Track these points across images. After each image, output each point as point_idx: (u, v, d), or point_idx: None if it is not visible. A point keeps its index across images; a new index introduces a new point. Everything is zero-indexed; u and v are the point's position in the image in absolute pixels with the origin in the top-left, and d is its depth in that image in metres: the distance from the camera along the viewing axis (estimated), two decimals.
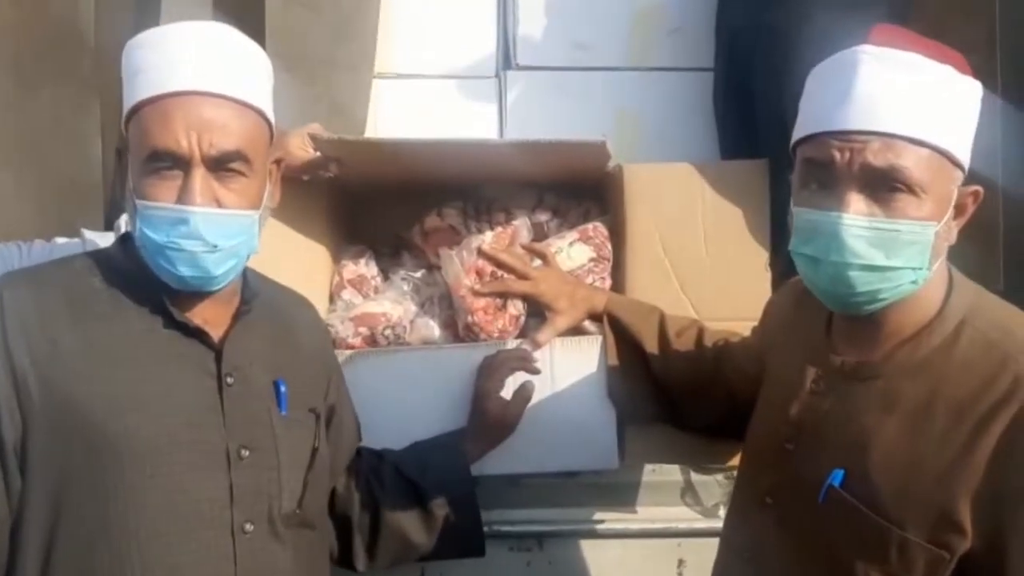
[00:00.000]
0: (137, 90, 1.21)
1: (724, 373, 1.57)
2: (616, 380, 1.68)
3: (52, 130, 2.12)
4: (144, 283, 1.24)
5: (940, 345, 1.15)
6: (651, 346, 1.64)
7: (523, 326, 1.81)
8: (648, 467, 1.82)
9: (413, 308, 1.87)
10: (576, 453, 1.72)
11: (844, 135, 1.11)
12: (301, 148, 1.75)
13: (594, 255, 1.86)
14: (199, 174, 1.18)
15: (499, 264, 1.77)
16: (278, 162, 1.33)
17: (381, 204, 2.11)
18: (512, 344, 1.73)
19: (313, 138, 1.72)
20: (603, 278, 1.86)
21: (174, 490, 1.20)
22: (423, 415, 1.67)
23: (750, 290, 1.74)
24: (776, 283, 1.75)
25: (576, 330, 1.73)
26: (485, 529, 1.61)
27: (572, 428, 1.70)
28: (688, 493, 1.82)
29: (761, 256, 1.80)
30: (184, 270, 1.20)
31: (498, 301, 1.78)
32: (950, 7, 1.99)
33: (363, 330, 1.82)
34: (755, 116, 1.99)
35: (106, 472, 1.18)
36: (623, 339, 1.67)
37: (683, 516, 1.82)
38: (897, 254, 1.11)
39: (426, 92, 2.25)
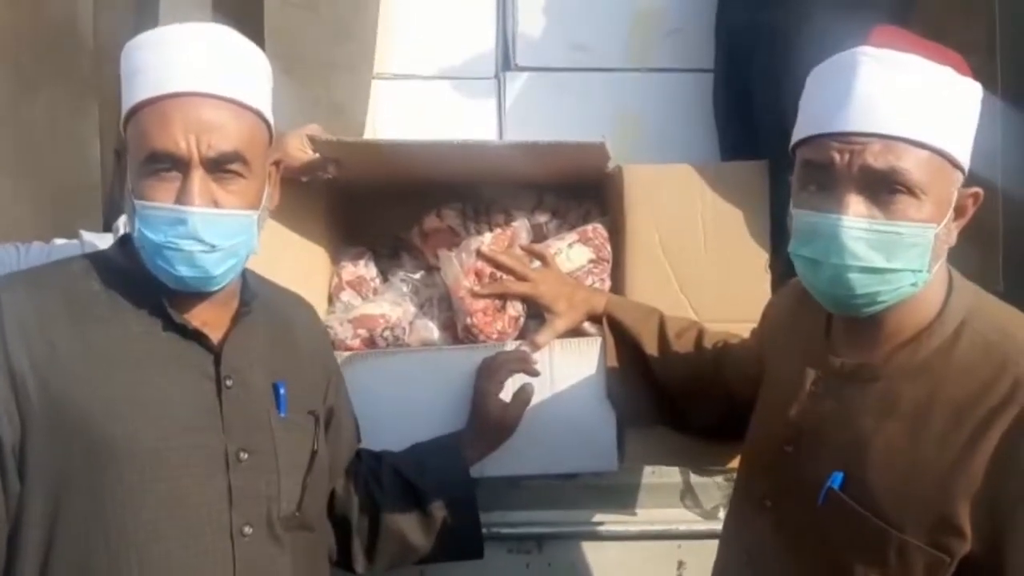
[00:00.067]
0: (136, 91, 1.20)
1: (723, 375, 1.57)
2: (615, 382, 1.68)
3: (50, 131, 2.12)
4: (143, 285, 1.24)
5: (940, 347, 1.15)
6: (651, 348, 1.64)
7: (522, 328, 1.81)
8: (648, 469, 1.82)
9: (412, 310, 1.87)
10: (576, 455, 1.72)
11: (844, 137, 1.11)
12: (300, 149, 1.75)
13: (593, 256, 1.86)
14: (197, 175, 1.18)
15: (498, 265, 1.77)
16: (277, 163, 1.33)
17: (380, 205, 2.11)
18: (511, 346, 1.73)
19: (312, 139, 1.72)
20: (602, 279, 1.86)
21: (173, 493, 1.20)
22: (422, 417, 1.67)
23: (750, 291, 1.74)
24: (776, 284, 1.75)
25: (576, 332, 1.73)
26: (484, 531, 1.61)
27: (571, 430, 1.70)
28: (688, 495, 1.82)
29: (761, 257, 1.79)
30: (183, 270, 1.20)
31: (497, 303, 1.78)
32: (950, 8, 1.98)
33: (362, 332, 1.82)
34: (755, 117, 1.99)
35: (104, 474, 1.17)
36: (623, 341, 1.67)
37: (683, 518, 1.82)
38: (897, 256, 1.11)
39: (425, 93, 2.24)
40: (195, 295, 1.25)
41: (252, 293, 1.35)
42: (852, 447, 1.17)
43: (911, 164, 1.10)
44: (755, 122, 1.99)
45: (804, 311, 1.31)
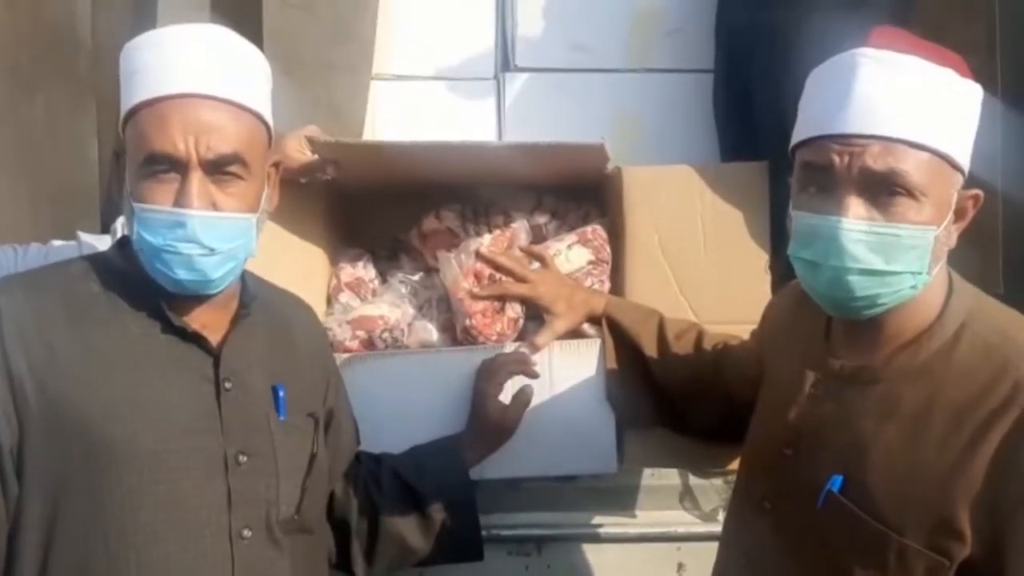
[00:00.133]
0: (134, 92, 1.20)
1: (723, 376, 1.57)
2: (615, 383, 1.68)
3: (48, 132, 2.12)
4: (142, 287, 1.24)
5: (940, 349, 1.15)
6: (650, 349, 1.63)
7: (521, 329, 1.81)
8: (647, 471, 1.82)
9: (411, 311, 1.87)
10: (575, 457, 1.72)
11: (843, 139, 1.11)
12: (298, 150, 1.74)
13: (593, 258, 1.86)
14: (196, 177, 1.17)
15: (497, 267, 1.77)
16: (276, 165, 1.32)
17: (379, 207, 2.10)
18: (511, 347, 1.73)
19: (310, 141, 1.72)
20: (602, 281, 1.86)
21: (171, 496, 1.19)
22: (421, 419, 1.67)
23: (750, 293, 1.74)
24: (776, 286, 1.74)
25: (575, 333, 1.73)
26: (484, 533, 1.61)
27: (571, 432, 1.70)
28: (687, 497, 1.82)
29: (761, 259, 1.79)
30: (181, 273, 1.19)
31: (496, 304, 1.77)
32: (950, 8, 1.98)
33: (361, 333, 1.81)
34: (755, 117, 1.98)
35: (103, 477, 1.17)
36: (622, 342, 1.67)
37: (682, 520, 1.82)
38: (896, 259, 1.11)
39: (424, 94, 2.24)
40: (194, 297, 1.25)
41: (251, 295, 1.34)
42: (852, 450, 1.17)
43: (911, 166, 1.09)
44: (755, 122, 1.98)
45: (804, 313, 1.31)
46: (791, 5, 1.86)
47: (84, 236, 1.78)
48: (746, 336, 1.59)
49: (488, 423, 1.63)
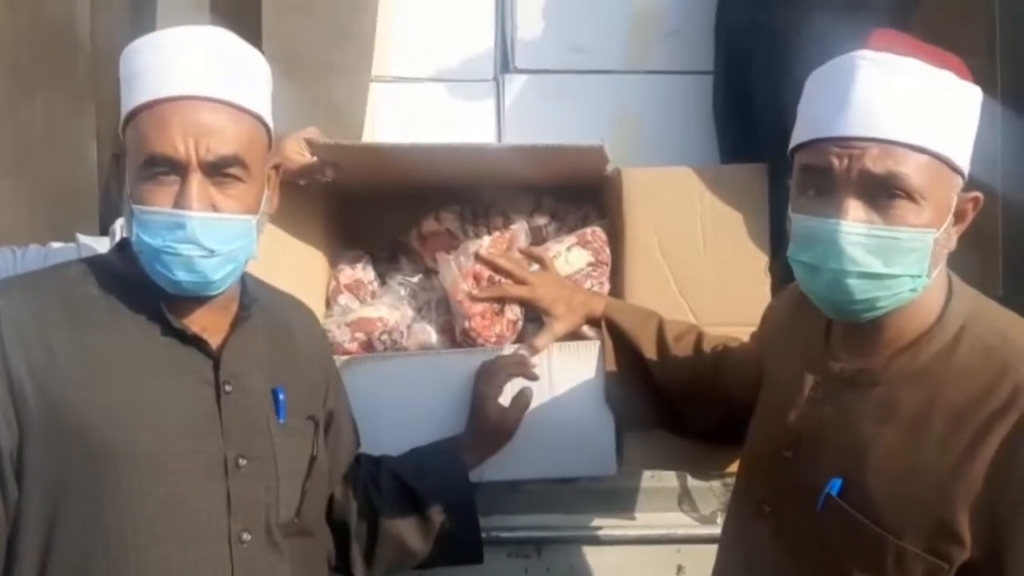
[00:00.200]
0: (134, 95, 1.20)
1: (723, 378, 1.57)
2: (614, 385, 1.68)
3: (47, 134, 2.12)
4: (141, 290, 1.23)
5: (939, 352, 1.15)
6: (650, 351, 1.63)
7: (521, 331, 1.81)
8: (647, 473, 1.82)
9: (410, 313, 1.87)
10: (574, 459, 1.72)
11: (842, 141, 1.11)
12: (297, 152, 1.74)
13: (592, 259, 1.86)
14: (196, 179, 1.17)
15: (497, 269, 1.77)
16: (277, 167, 1.32)
17: (378, 208, 2.10)
18: (510, 349, 1.73)
19: (310, 143, 1.71)
20: (601, 283, 1.86)
21: (171, 499, 1.19)
22: (421, 421, 1.67)
23: (749, 295, 1.73)
24: (776, 288, 1.74)
25: (574, 335, 1.73)
26: (483, 535, 1.61)
27: (570, 434, 1.69)
28: (686, 500, 1.82)
29: (760, 260, 1.79)
30: (181, 275, 1.19)
31: (495, 306, 1.77)
32: (950, 10, 1.98)
33: (360, 335, 1.81)
34: (754, 118, 1.98)
35: (103, 480, 1.17)
36: (621, 344, 1.67)
37: (682, 522, 1.82)
38: (896, 262, 1.10)
39: (423, 95, 2.24)
40: (194, 300, 1.25)
41: (251, 297, 1.34)
42: (851, 453, 1.17)
43: (910, 169, 1.09)
44: (755, 123, 1.98)
45: (803, 315, 1.31)
46: (791, 6, 1.86)
47: (83, 238, 1.78)
48: (746, 338, 1.59)
49: (487, 425, 1.63)
